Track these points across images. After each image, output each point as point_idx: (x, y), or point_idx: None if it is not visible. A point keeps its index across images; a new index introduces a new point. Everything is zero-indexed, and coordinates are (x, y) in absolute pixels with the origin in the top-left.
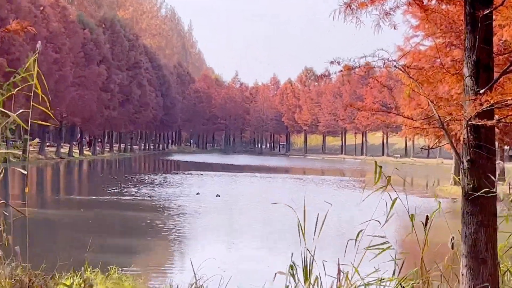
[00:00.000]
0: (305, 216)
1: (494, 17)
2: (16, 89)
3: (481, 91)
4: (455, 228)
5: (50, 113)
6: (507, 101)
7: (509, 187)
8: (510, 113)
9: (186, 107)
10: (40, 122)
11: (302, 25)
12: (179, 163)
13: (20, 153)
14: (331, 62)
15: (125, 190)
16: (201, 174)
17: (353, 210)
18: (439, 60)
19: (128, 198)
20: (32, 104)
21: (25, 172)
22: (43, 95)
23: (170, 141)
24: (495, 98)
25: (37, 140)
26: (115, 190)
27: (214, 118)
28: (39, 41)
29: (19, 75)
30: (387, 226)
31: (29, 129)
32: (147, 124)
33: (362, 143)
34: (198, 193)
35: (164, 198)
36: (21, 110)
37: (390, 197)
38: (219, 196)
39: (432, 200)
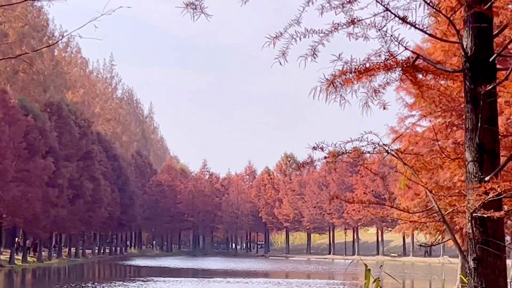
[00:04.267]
0: None
1: (498, 93)
2: None
3: (486, 178)
4: None
5: None
6: None
7: None
8: None
9: (147, 203)
10: None
11: (280, 103)
12: (139, 268)
13: None
14: (314, 148)
15: None
16: (163, 281)
17: None
18: (438, 143)
19: None
20: None
21: None
22: None
23: (128, 243)
24: (502, 186)
25: None
26: None
27: (180, 215)
28: None
29: None
30: None
31: None
32: (101, 224)
33: (354, 241)
34: None
35: None
36: None
37: None
38: None
39: None
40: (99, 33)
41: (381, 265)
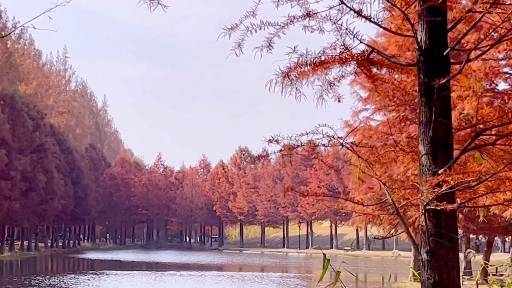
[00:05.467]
0: None
1: (452, 87)
2: None
3: (440, 171)
4: None
5: None
6: (469, 182)
7: (477, 283)
8: (473, 196)
9: (100, 196)
10: None
11: (234, 97)
12: (92, 262)
13: None
14: (269, 141)
15: None
16: (116, 274)
17: None
18: (392, 137)
19: None
20: None
21: None
22: None
23: (82, 236)
24: (455, 179)
25: None
26: None
27: (134, 208)
28: None
29: None
30: None
31: None
32: (55, 217)
33: (307, 235)
34: None
35: None
36: None
37: None
38: None
39: None
40: (53, 24)
41: (343, 261)
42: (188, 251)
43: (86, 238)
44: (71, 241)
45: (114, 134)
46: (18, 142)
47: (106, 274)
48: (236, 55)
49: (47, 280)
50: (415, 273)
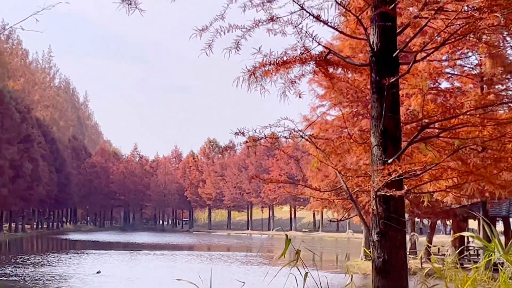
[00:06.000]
0: None
1: (401, 85)
2: None
3: (389, 161)
4: None
5: None
6: (415, 171)
7: (421, 262)
8: (419, 183)
9: (82, 183)
10: None
11: (204, 93)
12: (74, 242)
13: None
14: (236, 133)
15: (13, 271)
16: (95, 253)
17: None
18: (346, 130)
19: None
20: None
21: None
22: None
23: (65, 219)
24: (403, 168)
25: None
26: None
27: (112, 194)
28: None
29: None
30: None
31: None
32: (40, 201)
33: (269, 218)
34: (98, 272)
35: (55, 279)
36: None
37: (300, 273)
38: (100, 272)
39: (342, 276)
40: (39, 25)
41: (303, 240)
42: (161, 233)
43: (68, 220)
44: (55, 224)
45: (95, 126)
46: (7, 133)
47: (86, 253)
48: (207, 54)
49: (33, 258)
50: (367, 252)
